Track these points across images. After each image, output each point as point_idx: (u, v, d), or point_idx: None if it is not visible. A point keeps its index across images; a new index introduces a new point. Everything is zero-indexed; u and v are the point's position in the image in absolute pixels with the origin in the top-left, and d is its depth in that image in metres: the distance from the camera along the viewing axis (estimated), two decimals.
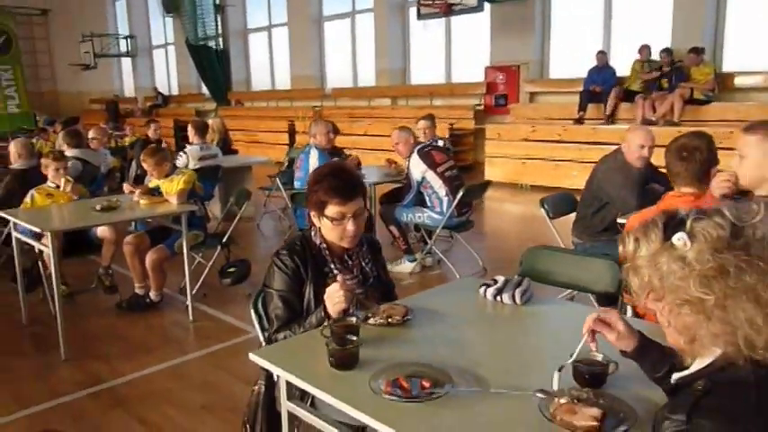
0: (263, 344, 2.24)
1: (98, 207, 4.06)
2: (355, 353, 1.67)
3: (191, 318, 4.28)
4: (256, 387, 2.27)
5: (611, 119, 9.03)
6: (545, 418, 1.35)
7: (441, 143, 6.15)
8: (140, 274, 4.48)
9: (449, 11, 9.71)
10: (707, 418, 0.99)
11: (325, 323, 1.94)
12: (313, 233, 2.26)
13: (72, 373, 3.56)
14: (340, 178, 2.15)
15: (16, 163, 5.39)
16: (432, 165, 5.08)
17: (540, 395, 1.44)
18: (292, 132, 13.45)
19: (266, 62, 16.62)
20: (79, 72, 21.85)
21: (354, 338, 1.71)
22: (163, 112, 18.22)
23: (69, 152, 6.08)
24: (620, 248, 1.13)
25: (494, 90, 11.03)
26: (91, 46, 19.98)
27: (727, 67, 8.82)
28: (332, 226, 2.13)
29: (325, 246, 2.23)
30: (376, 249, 2.39)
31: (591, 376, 1.51)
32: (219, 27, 16.43)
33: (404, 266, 5.29)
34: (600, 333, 1.48)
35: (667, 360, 1.34)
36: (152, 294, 4.48)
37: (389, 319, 1.98)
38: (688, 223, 1.04)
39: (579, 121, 9.27)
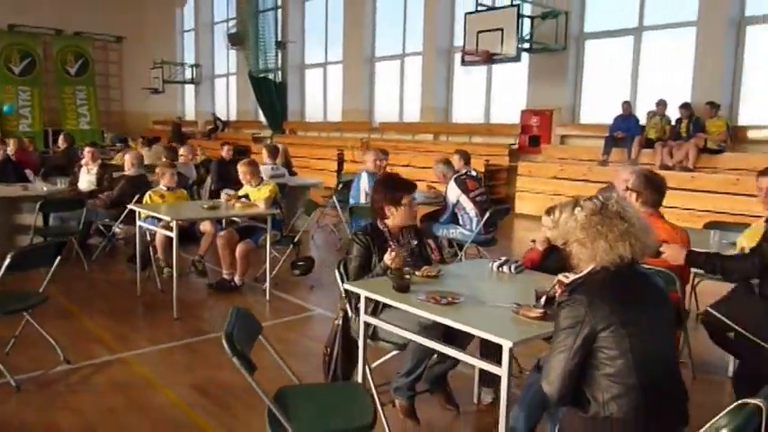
0: (342, 292, 3.33)
1: (205, 206, 5.25)
2: (408, 283, 2.76)
3: (267, 297, 5.40)
4: (336, 321, 3.37)
5: (635, 163, 9.97)
6: (514, 313, 2.42)
7: (474, 173, 7.22)
8: (228, 263, 5.63)
9: (489, 59, 10.87)
10: (578, 292, 2.05)
11: (389, 272, 3.03)
12: (378, 222, 3.38)
13: (183, 326, 4.73)
14: (405, 180, 3.31)
15: (129, 170, 6.70)
16: (465, 190, 6.17)
17: (514, 305, 2.50)
18: (341, 161, 14.69)
19: (320, 95, 18.04)
20: (146, 95, 23.78)
21: (408, 276, 2.79)
22: (221, 135, 19.78)
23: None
24: (550, 216, 2.22)
25: (528, 131, 12.09)
26: (161, 72, 21.85)
27: (742, 120, 9.71)
28: (405, 210, 3.26)
29: (386, 229, 3.35)
30: (423, 235, 3.50)
31: (548, 297, 2.56)
32: (280, 61, 17.99)
33: None
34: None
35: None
36: (236, 279, 5.63)
37: (428, 274, 3.06)
38: (581, 202, 2.12)
39: (603, 163, 10.24)
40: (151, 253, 5.67)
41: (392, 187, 3.36)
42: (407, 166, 12.87)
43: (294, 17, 17.94)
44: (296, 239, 5.83)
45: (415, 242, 3.44)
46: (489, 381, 3.43)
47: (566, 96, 11.75)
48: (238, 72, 20.53)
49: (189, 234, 5.76)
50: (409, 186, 3.38)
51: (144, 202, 5.78)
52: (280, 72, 18.04)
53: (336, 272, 3.43)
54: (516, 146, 12.19)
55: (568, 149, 11.55)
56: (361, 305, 2.92)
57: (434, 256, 6.32)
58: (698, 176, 8.93)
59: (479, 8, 11.14)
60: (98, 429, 3.18)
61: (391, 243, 3.32)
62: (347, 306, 3.34)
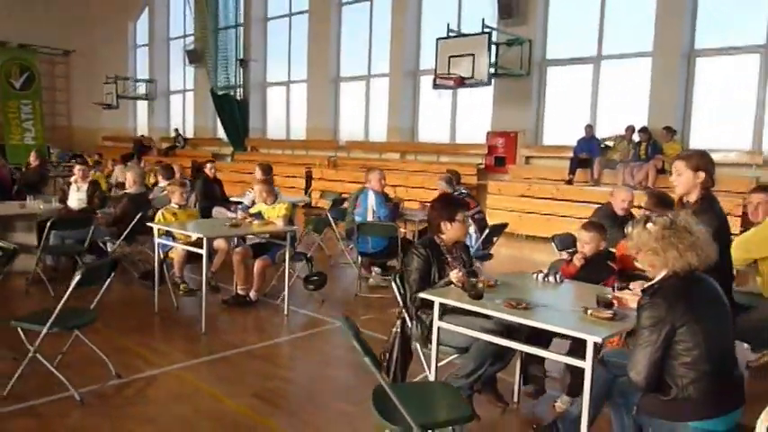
0: (400, 301, 3.61)
1: (227, 224, 5.40)
2: (483, 292, 3.08)
3: (285, 312, 5.58)
4: (394, 329, 3.64)
5: (597, 182, 10.66)
6: (585, 314, 2.80)
7: (465, 192, 7.63)
8: (243, 278, 5.78)
9: (461, 84, 11.39)
10: (656, 296, 2.44)
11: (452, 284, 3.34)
12: (435, 237, 3.69)
13: (213, 340, 4.87)
14: (459, 199, 3.65)
15: (131, 188, 6.75)
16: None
17: (582, 308, 2.87)
18: (309, 178, 14.89)
19: (282, 113, 18.19)
20: (95, 110, 23.28)
21: (481, 285, 3.11)
22: (180, 153, 19.60)
23: (163, 183, 7.45)
24: (628, 230, 2.61)
25: (494, 152, 12.67)
26: (115, 87, 21.44)
27: (693, 144, 10.55)
28: (459, 226, 3.58)
29: (443, 243, 3.66)
30: (467, 249, 3.83)
31: (607, 303, 2.93)
32: (241, 79, 18.05)
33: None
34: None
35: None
36: (252, 294, 5.78)
37: (488, 284, 3.39)
38: (652, 218, 2.53)
39: (569, 182, 10.89)
40: (165, 270, 5.75)
41: (448, 205, 3.69)
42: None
43: (256, 35, 18.09)
44: (309, 255, 6.04)
45: (464, 255, 3.77)
46: (530, 379, 3.77)
47: (529, 119, 12.40)
48: (196, 88, 20.44)
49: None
50: (463, 204, 3.72)
51: (156, 220, 5.86)
52: (241, 89, 18.10)
53: (393, 283, 3.70)
54: (483, 165, 12.73)
55: (533, 169, 12.18)
56: (435, 311, 3.21)
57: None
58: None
59: (450, 34, 11.67)
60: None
61: (447, 256, 3.64)
62: (405, 314, 3.63)
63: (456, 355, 3.51)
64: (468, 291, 3.09)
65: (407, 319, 3.60)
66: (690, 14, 10.45)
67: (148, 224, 5.59)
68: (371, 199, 6.57)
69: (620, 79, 11.48)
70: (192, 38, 20.31)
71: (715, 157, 10.26)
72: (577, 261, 3.88)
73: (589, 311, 2.88)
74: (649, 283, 2.62)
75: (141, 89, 22.62)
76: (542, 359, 3.68)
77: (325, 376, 4.31)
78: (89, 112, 24.14)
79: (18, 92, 22.90)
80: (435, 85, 11.90)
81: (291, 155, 16.94)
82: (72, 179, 7.77)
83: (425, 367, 3.53)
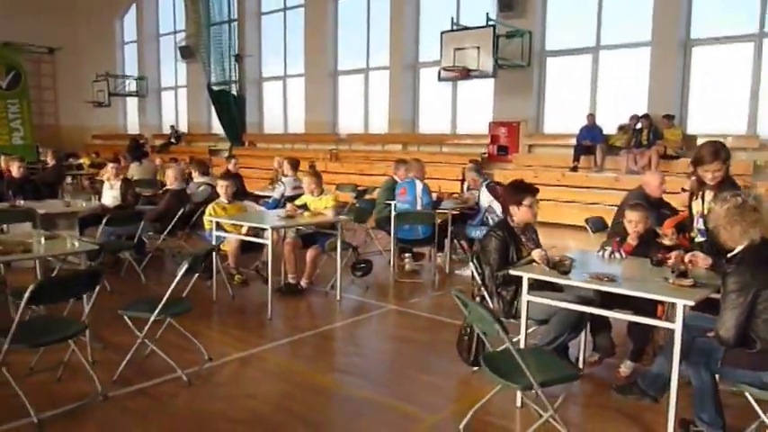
0: (478, 280, 3.93)
1: (282, 215, 5.66)
2: (570, 268, 3.41)
3: (338, 297, 5.87)
4: None
5: (601, 168, 11.09)
6: (668, 283, 3.15)
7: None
8: (294, 267, 6.05)
9: (467, 75, 11.72)
10: (741, 264, 2.81)
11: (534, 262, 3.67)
12: (508, 219, 4.02)
13: (281, 325, 5.16)
14: (528, 185, 3.98)
15: (173, 185, 6.96)
16: (496, 196, 6.88)
17: (663, 278, 3.23)
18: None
19: (278, 107, 18.34)
20: (83, 109, 23.15)
21: (568, 261, 3.45)
22: (175, 149, 19.63)
23: (199, 179, 7.66)
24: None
25: (496, 141, 13.05)
26: (106, 85, 21.34)
27: (690, 130, 11.03)
28: (526, 210, 3.90)
29: (516, 225, 3.99)
30: (535, 231, 4.16)
31: (682, 272, 3.29)
32: (237, 74, 18.13)
33: (469, 271, 7.00)
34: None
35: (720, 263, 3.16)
36: (303, 282, 6.05)
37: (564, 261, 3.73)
38: (728, 197, 2.91)
39: (574, 169, 11.31)
40: (218, 261, 5.98)
41: (516, 191, 4.02)
42: (384, 175, 13.49)
43: (250, 30, 18.18)
44: (355, 244, 6.33)
45: (534, 236, 4.10)
46: (597, 348, 4.13)
47: (530, 109, 12.79)
48: (189, 84, 20.46)
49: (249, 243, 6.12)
50: (532, 190, 4.04)
51: (207, 214, 6.10)
52: (237, 85, 18.19)
53: (471, 263, 4.03)
54: (486, 155, 13.10)
55: (536, 157, 12.58)
56: (524, 286, 3.54)
57: (466, 253, 7.05)
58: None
59: (455, 27, 11.99)
60: (293, 407, 3.60)
61: (522, 237, 3.97)
62: (484, 291, 3.96)
63: (535, 327, 3.85)
64: (558, 267, 3.43)
65: (486, 295, 3.93)
66: (686, 5, 10.90)
67: (209, 218, 5.83)
68: (419, 188, 6.86)
69: (619, 68, 11.91)
70: (182, 34, 20.32)
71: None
72: (632, 240, 4.23)
73: (669, 280, 3.23)
74: (732, 253, 2.99)
75: (131, 86, 22.52)
76: (609, 330, 4.04)
77: (398, 352, 4.63)
78: (77, 111, 23.97)
79: (4, 91, 22.63)
80: (440, 78, 12.21)
81: (291, 149, 17.10)
82: (105, 177, 7.92)
83: (505, 339, 3.84)
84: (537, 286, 3.66)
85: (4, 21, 21.46)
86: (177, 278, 3.83)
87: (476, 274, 4.00)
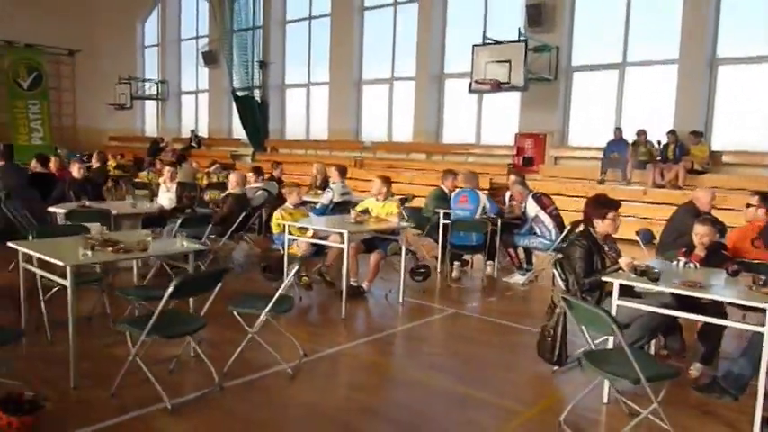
0: (562, 285, 4.23)
1: (353, 221, 5.95)
2: (659, 276, 3.71)
3: (400, 300, 6.15)
4: (557, 310, 4.25)
5: (629, 181, 11.42)
6: (749, 289, 3.46)
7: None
8: (355, 271, 6.34)
9: (498, 88, 12.06)
10: None
11: (621, 270, 3.96)
12: (591, 230, 4.32)
13: (356, 325, 5.45)
14: (611, 199, 4.28)
15: (234, 189, 7.26)
16: (543, 207, 7.22)
17: (746, 286, 3.53)
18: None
19: (301, 114, 18.66)
20: (101, 110, 23.48)
21: (657, 270, 3.75)
22: (196, 153, 19.90)
23: (256, 184, 7.96)
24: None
25: (522, 152, 13.38)
26: (129, 88, 21.65)
27: (715, 146, 11.37)
28: (609, 223, 4.21)
29: (598, 236, 4.30)
30: (614, 240, 4.47)
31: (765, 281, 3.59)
32: (260, 80, 18.45)
33: (516, 278, 7.31)
34: None
35: None
36: (365, 285, 6.34)
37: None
38: None
39: (601, 182, 11.64)
40: (285, 264, 6.25)
41: (600, 205, 4.33)
42: (410, 183, 13.84)
43: (275, 38, 18.52)
44: (414, 249, 6.62)
45: (615, 246, 4.41)
46: (668, 349, 4.43)
47: (555, 121, 13.13)
48: (210, 89, 20.78)
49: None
50: (615, 205, 4.35)
51: (275, 219, 6.39)
52: (260, 91, 18.50)
53: (554, 270, 4.33)
54: (512, 165, 13.42)
55: (562, 169, 12.91)
56: (615, 292, 3.84)
57: (514, 262, 7.37)
58: (689, 194, 10.27)
59: (486, 41, 12.33)
60: (396, 398, 3.88)
61: (604, 246, 4.27)
62: (569, 296, 4.24)
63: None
64: (648, 274, 3.72)
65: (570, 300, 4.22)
66: (713, 25, 11.26)
67: (281, 222, 6.11)
68: (483, 198, 7.19)
69: (645, 84, 12.25)
70: (205, 39, 20.67)
71: (737, 158, 11.19)
72: (700, 251, 4.53)
73: (753, 288, 3.53)
74: None
75: (151, 90, 22.83)
76: (679, 332, 4.35)
77: (476, 352, 4.90)
78: (94, 113, 24.27)
79: (26, 92, 22.98)
80: (471, 89, 12.55)
81: (314, 155, 17.41)
82: (161, 180, 8.20)
83: (588, 340, 4.14)
84: (623, 292, 3.98)
85: (27, 23, 21.80)
86: (287, 281, 4.10)
87: (560, 280, 4.29)
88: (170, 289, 3.40)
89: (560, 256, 4.41)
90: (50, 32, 22.58)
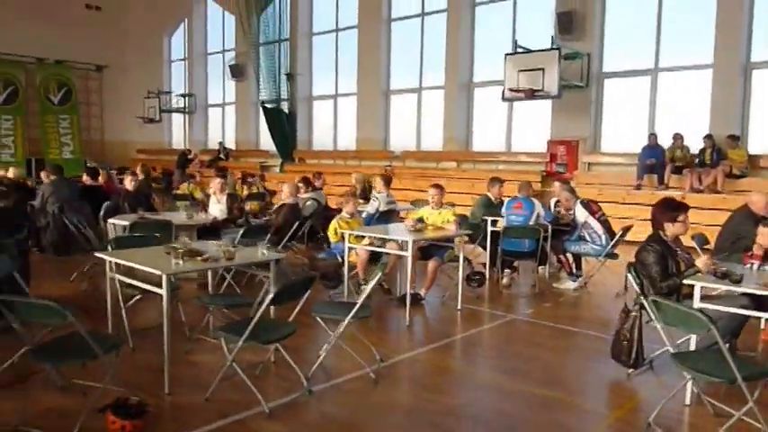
0: (637, 289, 4.30)
1: (412, 229, 6.06)
2: (742, 276, 3.78)
3: (459, 306, 6.24)
4: (633, 314, 4.33)
5: (667, 187, 11.43)
6: None
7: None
8: (414, 277, 6.43)
9: (532, 96, 12.15)
10: None
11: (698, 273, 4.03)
12: (661, 234, 4.40)
13: (420, 332, 5.55)
14: (680, 203, 4.36)
15: (288, 199, 7.41)
16: (592, 212, 7.29)
17: None
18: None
19: (328, 125, 18.86)
20: (128, 124, 23.92)
21: (740, 273, 3.82)
22: (224, 164, 20.14)
23: (305, 194, 8.11)
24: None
25: (555, 159, 13.45)
26: (158, 102, 22.03)
27: (752, 150, 11.36)
28: (680, 225, 4.29)
29: (668, 239, 4.37)
30: (682, 243, 4.55)
31: None
32: (288, 92, 18.68)
33: (567, 284, 7.38)
34: None
35: None
36: (422, 292, 6.44)
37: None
38: None
39: (638, 187, 11.67)
40: (345, 271, 6.37)
41: (670, 208, 4.41)
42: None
43: (302, 50, 18.76)
44: (469, 257, 6.72)
45: (683, 248, 4.48)
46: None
47: (587, 128, 13.18)
48: (237, 102, 21.07)
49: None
50: (684, 207, 4.43)
51: (332, 228, 6.52)
52: (288, 102, 18.72)
53: (629, 275, 4.40)
54: (545, 172, 13.49)
55: (596, 175, 12.95)
56: (696, 295, 3.91)
57: (565, 268, 7.43)
58: (729, 198, 10.42)
59: (519, 50, 12.45)
60: (481, 400, 3.97)
61: (676, 249, 4.35)
62: (643, 300, 4.32)
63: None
64: (730, 276, 3.80)
65: (646, 304, 4.29)
66: (746, 30, 11.29)
67: (342, 231, 6.24)
68: (538, 205, 7.30)
69: (678, 89, 12.29)
70: (231, 53, 20.99)
71: None
72: (758, 250, 4.58)
73: None
74: None
75: (178, 103, 23.18)
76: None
77: (546, 357, 4.98)
78: (121, 126, 24.71)
79: (56, 107, 23.45)
80: (505, 98, 12.65)
81: (342, 165, 17.58)
82: (211, 191, 8.38)
83: (666, 342, 4.20)
84: (689, 296, 4.05)
85: (58, 40, 22.30)
86: (369, 287, 4.22)
87: (634, 284, 4.37)
88: (270, 296, 3.53)
89: (634, 261, 4.47)
90: (79, 49, 23.10)
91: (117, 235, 6.14)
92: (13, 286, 4.62)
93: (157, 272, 3.87)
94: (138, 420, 3.39)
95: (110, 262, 4.48)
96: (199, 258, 4.15)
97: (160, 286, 3.87)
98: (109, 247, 4.98)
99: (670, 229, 4.40)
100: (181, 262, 4.06)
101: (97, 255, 4.61)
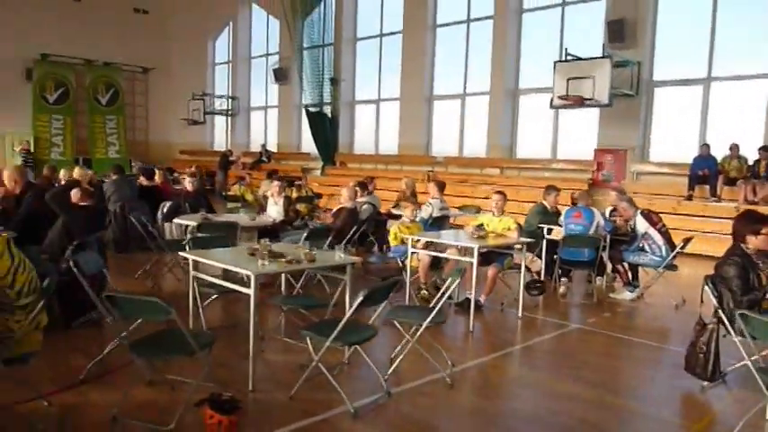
0: (715, 303, 4.29)
1: (475, 236, 6.12)
2: None
3: (519, 314, 6.27)
4: (710, 325, 4.31)
5: (719, 198, 11.27)
6: None
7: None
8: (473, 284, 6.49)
9: (581, 104, 12.11)
10: None
11: None
12: (744, 246, 4.38)
13: (485, 340, 5.60)
14: (763, 215, 4.34)
15: (347, 203, 7.52)
16: (652, 223, 7.24)
17: None
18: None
19: (370, 129, 19.01)
20: (171, 125, 24.48)
21: None
22: (266, 167, 20.43)
23: (362, 198, 8.23)
24: None
25: (601, 168, 13.35)
26: (202, 104, 22.48)
27: None
28: (764, 238, 4.26)
29: (751, 252, 4.35)
30: (766, 256, 4.52)
31: None
32: (331, 96, 18.90)
33: (625, 295, 7.34)
34: None
35: None
36: (482, 298, 6.48)
37: None
38: None
39: (689, 198, 11.52)
40: (407, 275, 6.45)
41: (753, 220, 4.39)
42: (486, 198, 13.91)
43: (346, 55, 18.95)
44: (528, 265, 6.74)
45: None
46: None
47: (636, 137, 13.06)
48: (280, 105, 21.37)
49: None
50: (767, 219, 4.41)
51: (393, 233, 6.61)
52: (331, 106, 18.94)
53: (707, 287, 4.39)
54: (591, 181, 13.40)
55: (644, 185, 12.81)
56: None
57: (622, 278, 7.38)
58: None
59: (568, 57, 12.40)
60: (555, 405, 4.01)
61: (758, 263, 4.33)
62: (721, 314, 4.31)
63: None
64: None
65: (724, 318, 4.27)
66: None
67: (401, 235, 6.33)
68: (598, 215, 7.31)
69: (731, 99, 12.10)
70: (275, 57, 21.32)
71: None
72: None
73: None
74: None
75: (222, 105, 23.60)
76: None
77: (614, 367, 4.99)
78: (165, 127, 25.29)
79: (104, 108, 24.09)
80: (553, 105, 12.62)
81: (384, 169, 17.70)
82: (269, 193, 8.55)
83: (745, 356, 4.18)
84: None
85: (106, 42, 22.95)
86: (447, 293, 4.29)
87: (712, 297, 4.35)
88: (359, 298, 3.62)
89: (713, 273, 4.45)
90: (127, 51, 23.74)
91: (189, 235, 6.28)
92: (101, 282, 4.83)
93: (247, 272, 4.00)
94: (233, 416, 3.51)
95: (191, 261, 4.63)
96: (283, 260, 4.27)
97: (241, 285, 4.01)
98: (187, 247, 5.15)
99: (753, 242, 4.38)
100: (267, 263, 4.18)
101: (181, 254, 4.75)
